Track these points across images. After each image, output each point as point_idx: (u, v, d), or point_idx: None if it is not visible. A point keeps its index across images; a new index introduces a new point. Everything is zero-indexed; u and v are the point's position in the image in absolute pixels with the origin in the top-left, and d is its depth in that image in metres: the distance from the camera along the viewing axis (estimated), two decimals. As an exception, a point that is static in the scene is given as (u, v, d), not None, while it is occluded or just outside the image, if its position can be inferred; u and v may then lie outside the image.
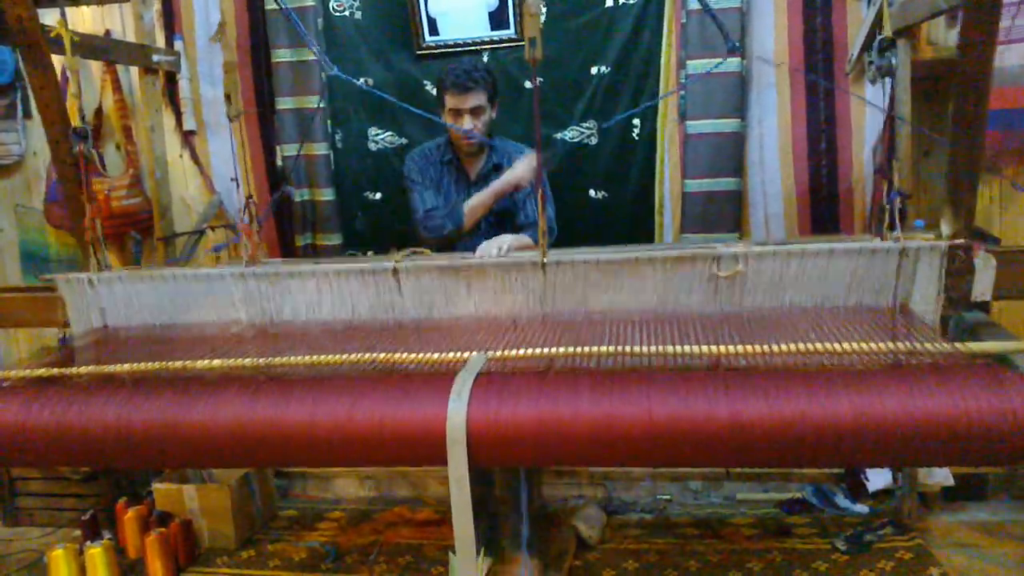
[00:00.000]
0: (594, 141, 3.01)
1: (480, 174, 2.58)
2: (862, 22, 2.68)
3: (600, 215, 3.05)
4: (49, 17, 2.22)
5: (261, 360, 1.66)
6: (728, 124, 2.81)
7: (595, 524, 2.68)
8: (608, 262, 1.81)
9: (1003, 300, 1.78)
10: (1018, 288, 1.74)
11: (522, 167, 2.45)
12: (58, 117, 2.14)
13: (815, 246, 1.73)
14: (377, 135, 3.15)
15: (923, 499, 2.69)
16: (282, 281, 1.97)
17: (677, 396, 1.36)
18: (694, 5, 2.74)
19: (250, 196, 2.49)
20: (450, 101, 2.45)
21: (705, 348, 1.51)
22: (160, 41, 3.13)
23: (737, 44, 2.66)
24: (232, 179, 2.50)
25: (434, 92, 3.02)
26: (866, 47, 2.61)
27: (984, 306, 1.74)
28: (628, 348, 1.54)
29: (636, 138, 2.98)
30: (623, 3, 2.88)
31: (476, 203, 2.48)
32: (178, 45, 3.15)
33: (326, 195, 3.16)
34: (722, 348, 1.50)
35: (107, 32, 3.26)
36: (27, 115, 3.40)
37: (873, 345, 1.46)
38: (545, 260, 1.81)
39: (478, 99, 2.43)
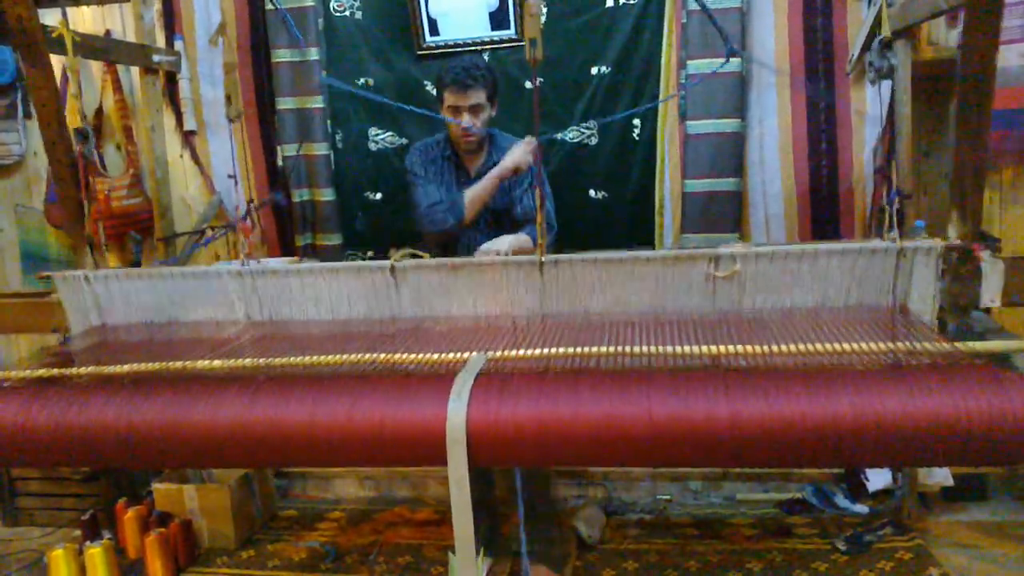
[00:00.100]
0: (594, 141, 3.01)
1: (480, 171, 2.57)
2: (862, 22, 2.68)
3: (600, 215, 3.05)
4: (50, 17, 2.22)
5: (261, 360, 1.66)
6: (728, 124, 2.81)
7: (595, 524, 2.68)
8: (607, 261, 1.81)
9: (1019, 307, 1.72)
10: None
11: (519, 151, 2.43)
12: (54, 117, 2.14)
13: (813, 246, 1.73)
14: (377, 135, 3.15)
15: (923, 499, 2.69)
16: (280, 279, 1.97)
17: (677, 396, 1.36)
18: (694, 5, 2.74)
19: (251, 201, 2.50)
20: (449, 98, 2.44)
21: (705, 348, 1.51)
22: (160, 41, 3.13)
23: (736, 48, 2.66)
24: (230, 176, 2.49)
25: (434, 92, 3.03)
26: (866, 47, 2.61)
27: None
28: (628, 348, 1.54)
29: (636, 138, 2.98)
30: (623, 3, 2.88)
31: (476, 193, 2.46)
32: (178, 45, 3.15)
33: (326, 195, 3.16)
34: (722, 348, 1.50)
35: (107, 32, 3.26)
36: (28, 115, 3.40)
37: (873, 345, 1.46)
38: (543, 259, 1.81)
39: (477, 97, 2.43)
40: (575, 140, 3.01)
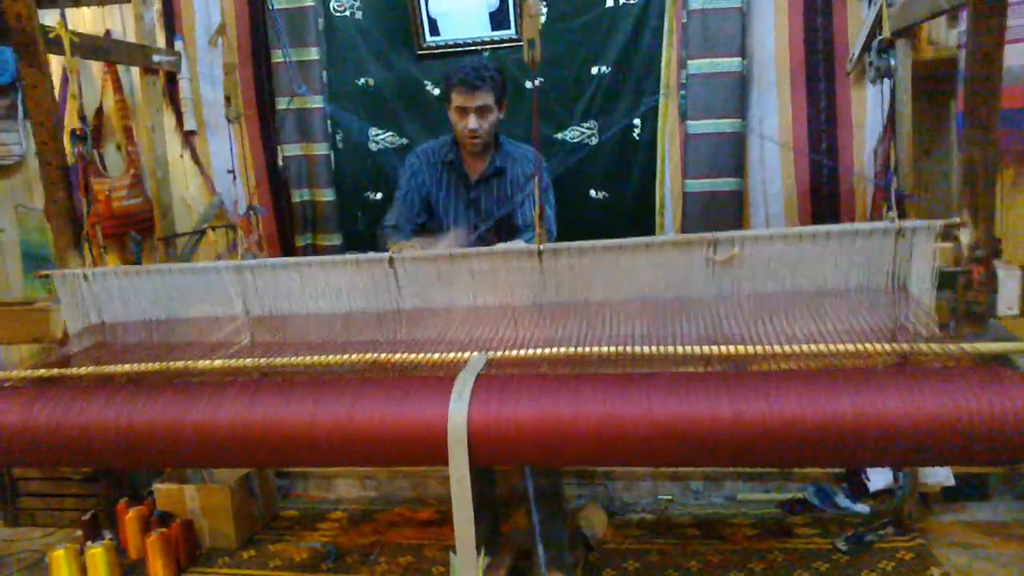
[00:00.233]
0: (594, 141, 3.01)
1: (481, 176, 2.56)
2: (863, 22, 2.68)
3: (601, 215, 3.05)
4: (50, 18, 2.22)
5: (261, 360, 1.66)
6: (729, 124, 2.81)
7: (598, 524, 2.68)
8: (605, 248, 1.80)
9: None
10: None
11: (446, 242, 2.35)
12: (48, 117, 2.13)
13: (813, 228, 1.72)
14: (378, 135, 3.15)
15: (924, 499, 2.69)
16: (279, 275, 1.96)
17: (678, 396, 1.36)
18: (695, 5, 2.74)
19: (251, 207, 2.50)
20: (456, 99, 2.42)
21: (706, 349, 1.50)
22: (160, 41, 3.13)
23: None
24: (228, 171, 2.49)
25: (435, 92, 3.04)
26: (866, 47, 2.61)
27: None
28: (629, 348, 1.54)
29: (637, 138, 2.98)
30: (623, 3, 2.88)
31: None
32: (178, 45, 3.15)
33: (326, 195, 3.16)
34: (722, 348, 1.50)
35: (107, 32, 3.26)
36: (28, 116, 3.40)
37: (874, 346, 1.46)
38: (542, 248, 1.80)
39: (485, 98, 2.40)
40: (575, 140, 3.01)
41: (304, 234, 3.20)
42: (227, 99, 2.28)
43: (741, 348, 1.49)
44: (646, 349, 1.53)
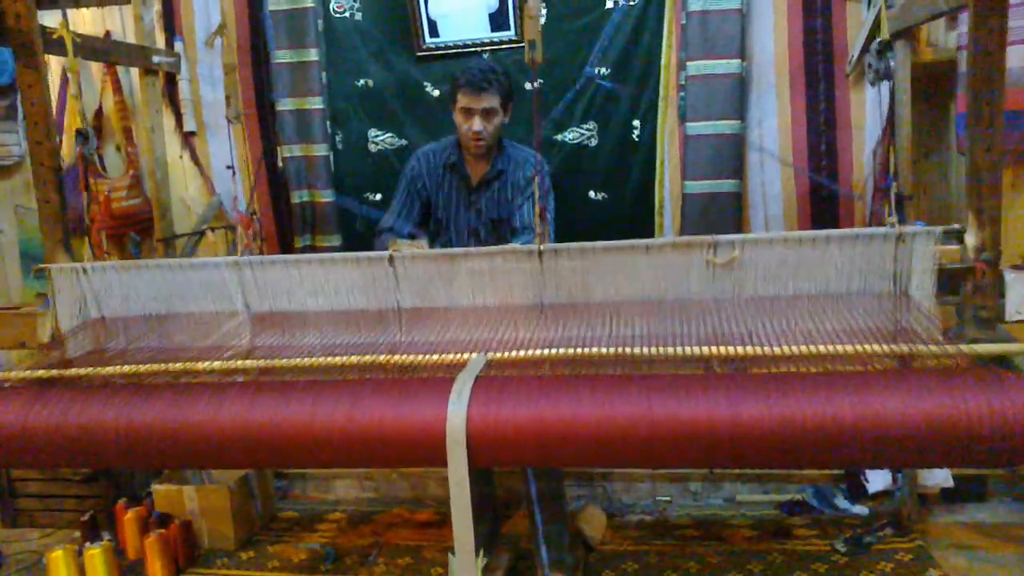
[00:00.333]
0: (594, 142, 3.01)
1: (483, 179, 2.56)
2: (862, 24, 2.68)
3: (600, 216, 3.05)
4: (49, 19, 2.22)
5: (261, 361, 1.66)
6: (728, 126, 2.81)
7: (597, 525, 2.68)
8: (606, 249, 1.81)
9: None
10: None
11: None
12: (42, 118, 2.13)
13: (813, 232, 1.72)
14: (377, 136, 3.15)
15: (923, 500, 2.69)
16: (278, 271, 1.96)
17: (677, 397, 1.36)
18: (694, 6, 2.74)
19: (254, 212, 2.50)
20: (462, 100, 2.42)
21: (706, 350, 1.51)
22: (160, 42, 3.13)
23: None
24: (228, 167, 2.48)
25: (434, 93, 3.04)
26: (866, 49, 2.62)
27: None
28: (628, 349, 1.54)
29: (636, 139, 2.98)
30: (623, 4, 2.88)
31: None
32: (178, 46, 3.15)
33: (326, 196, 3.16)
34: (722, 349, 1.50)
35: (107, 33, 3.26)
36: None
37: (874, 347, 1.46)
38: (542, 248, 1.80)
39: (491, 101, 2.40)
40: (574, 141, 3.01)
41: (303, 235, 3.20)
42: (227, 99, 2.28)
43: (741, 350, 1.49)
44: (646, 350, 1.53)
